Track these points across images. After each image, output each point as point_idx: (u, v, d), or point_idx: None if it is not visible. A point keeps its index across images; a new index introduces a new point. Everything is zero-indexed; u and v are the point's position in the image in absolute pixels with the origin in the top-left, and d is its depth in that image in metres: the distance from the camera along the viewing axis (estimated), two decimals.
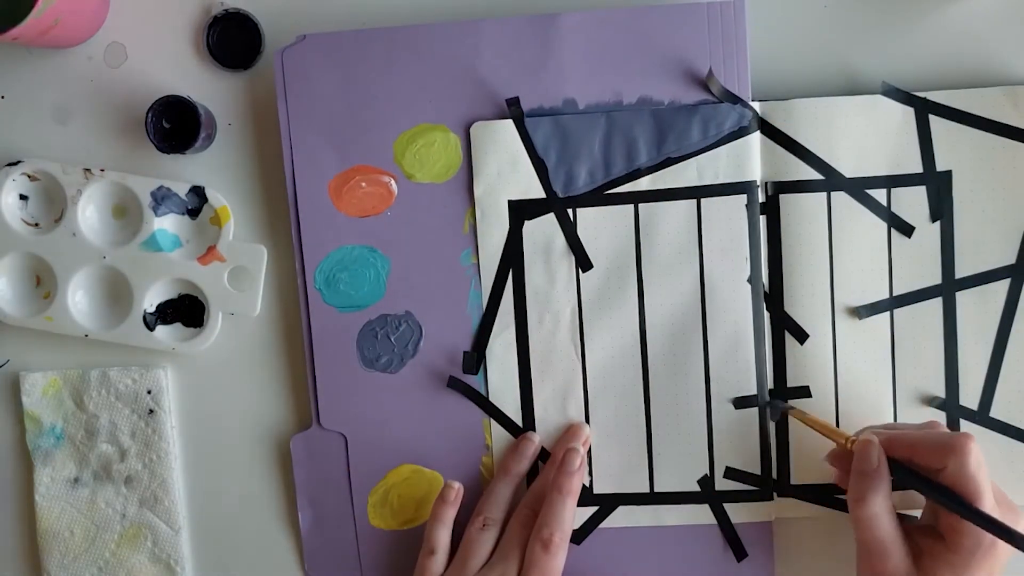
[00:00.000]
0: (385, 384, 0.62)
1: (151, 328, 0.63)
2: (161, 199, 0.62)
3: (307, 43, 0.60)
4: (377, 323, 0.62)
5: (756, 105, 0.59)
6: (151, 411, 0.64)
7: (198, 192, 0.62)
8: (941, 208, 0.60)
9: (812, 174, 0.59)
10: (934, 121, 0.59)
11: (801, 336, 0.60)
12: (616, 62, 0.59)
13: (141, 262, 0.62)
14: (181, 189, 0.62)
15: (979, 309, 0.60)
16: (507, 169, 0.60)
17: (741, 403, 0.60)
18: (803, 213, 0.60)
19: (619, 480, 0.62)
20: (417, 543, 0.62)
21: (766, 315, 0.61)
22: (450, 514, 0.59)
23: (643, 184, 0.60)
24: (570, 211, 0.60)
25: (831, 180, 0.59)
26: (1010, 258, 0.60)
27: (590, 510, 0.62)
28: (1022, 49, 0.60)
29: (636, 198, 0.60)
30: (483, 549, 0.59)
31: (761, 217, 0.60)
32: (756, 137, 0.59)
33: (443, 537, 0.60)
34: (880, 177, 0.60)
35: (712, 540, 0.62)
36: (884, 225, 0.60)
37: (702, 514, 0.61)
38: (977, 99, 0.59)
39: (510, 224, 0.61)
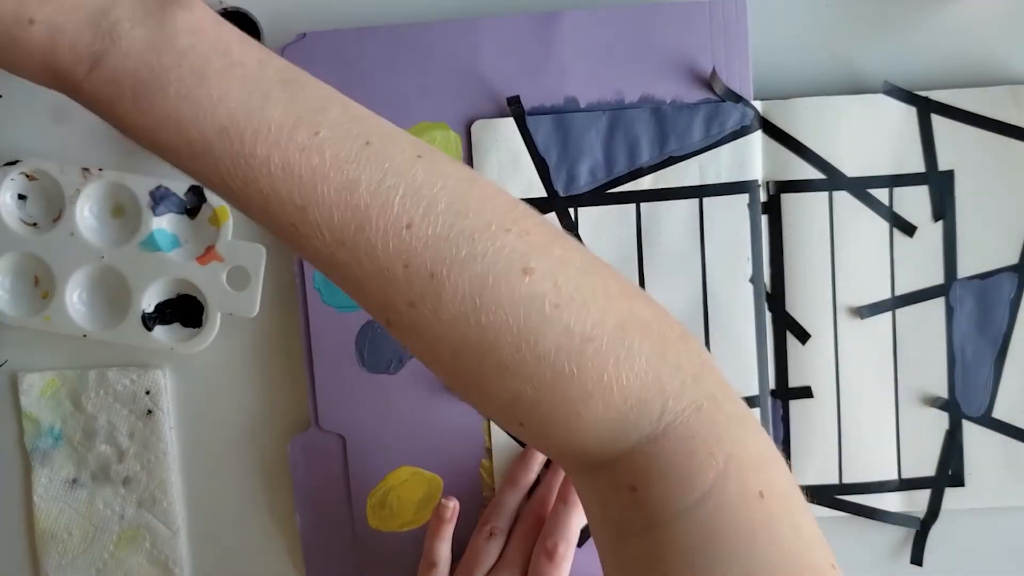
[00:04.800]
0: (384, 385, 0.62)
1: (149, 328, 0.63)
2: (160, 198, 0.62)
3: (307, 41, 0.60)
4: (377, 323, 0.62)
5: (757, 104, 0.59)
6: (149, 412, 0.64)
7: (197, 191, 0.62)
8: (943, 208, 0.60)
9: (814, 173, 0.59)
10: (936, 120, 0.59)
11: (803, 336, 0.60)
12: (618, 60, 0.59)
13: (140, 262, 0.62)
14: (180, 188, 0.62)
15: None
16: (508, 168, 0.60)
17: None
18: (805, 213, 0.60)
19: None
20: (416, 545, 0.61)
21: (768, 315, 0.60)
22: (448, 530, 0.59)
23: (645, 183, 0.59)
24: (572, 210, 0.60)
25: (833, 179, 0.59)
26: (1013, 258, 0.60)
27: None
28: None
29: (638, 197, 0.60)
30: (489, 558, 0.59)
31: (763, 217, 0.60)
32: (758, 136, 0.59)
33: (443, 551, 0.59)
34: (882, 176, 0.60)
35: None
36: (886, 225, 0.60)
37: None
38: (979, 98, 0.59)
39: None
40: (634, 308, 0.40)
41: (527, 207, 0.41)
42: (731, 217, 0.59)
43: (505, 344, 0.39)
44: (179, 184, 0.62)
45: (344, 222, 0.39)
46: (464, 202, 0.39)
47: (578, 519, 0.58)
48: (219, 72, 0.39)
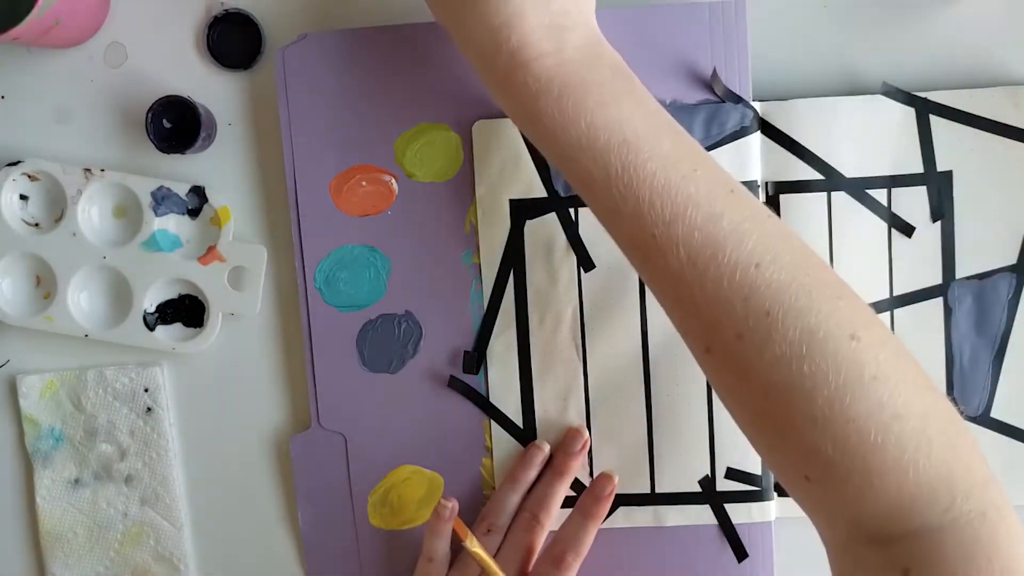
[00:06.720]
0: (385, 384, 0.62)
1: (151, 328, 0.63)
2: (161, 199, 0.62)
3: (308, 42, 0.60)
4: (377, 323, 0.62)
5: (756, 105, 0.59)
6: (149, 409, 0.64)
7: (198, 192, 0.62)
8: (942, 208, 0.60)
9: (812, 174, 0.59)
10: (935, 121, 0.59)
11: None
12: None
13: (141, 262, 0.62)
14: (181, 189, 0.62)
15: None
16: (509, 168, 0.60)
17: None
18: (803, 213, 0.60)
19: (620, 481, 0.62)
20: (417, 542, 0.62)
21: None
22: (447, 528, 0.59)
23: None
24: (572, 210, 0.60)
25: (831, 180, 0.59)
26: (1011, 258, 0.60)
27: None
28: (1022, 49, 0.60)
29: None
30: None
31: None
32: (757, 137, 0.59)
33: (440, 548, 0.60)
34: (880, 177, 0.60)
35: (713, 540, 0.62)
36: (884, 225, 0.60)
37: (703, 514, 0.61)
38: (978, 99, 0.59)
39: (511, 223, 0.61)
40: (936, 402, 0.43)
41: (851, 288, 0.45)
42: None
43: (819, 397, 0.42)
44: (181, 185, 0.62)
45: (702, 245, 0.44)
46: (805, 262, 0.45)
47: (593, 534, 0.59)
48: (630, 97, 0.48)
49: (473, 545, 0.55)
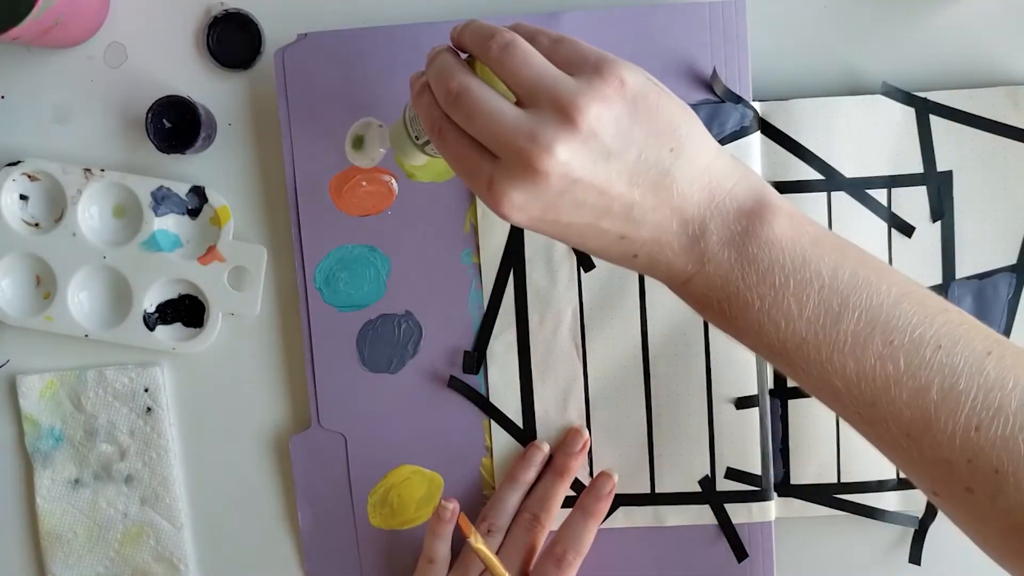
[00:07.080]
0: (385, 384, 0.62)
1: (151, 328, 0.63)
2: (161, 199, 0.62)
3: (307, 42, 0.60)
4: (377, 323, 0.62)
5: (756, 105, 0.59)
6: (149, 409, 0.64)
7: (198, 192, 0.62)
8: (942, 208, 0.60)
9: (812, 174, 0.59)
10: (934, 121, 0.59)
11: None
12: None
13: (141, 262, 0.62)
14: (181, 189, 0.62)
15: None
16: None
17: (742, 403, 0.60)
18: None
19: (620, 481, 0.62)
20: (417, 543, 0.62)
21: None
22: (447, 530, 0.59)
23: None
24: None
25: (831, 180, 0.59)
26: (1011, 258, 0.60)
27: None
28: (1022, 49, 0.60)
29: None
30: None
31: None
32: (757, 137, 0.59)
33: (441, 549, 0.60)
34: (880, 177, 0.60)
35: (713, 540, 0.62)
36: (884, 225, 0.60)
37: (703, 514, 0.61)
38: (978, 99, 0.59)
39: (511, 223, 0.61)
40: None
41: None
42: None
43: None
44: (180, 185, 0.62)
45: (912, 420, 0.41)
46: None
47: (593, 533, 0.59)
48: (798, 285, 0.43)
49: (477, 542, 0.55)
